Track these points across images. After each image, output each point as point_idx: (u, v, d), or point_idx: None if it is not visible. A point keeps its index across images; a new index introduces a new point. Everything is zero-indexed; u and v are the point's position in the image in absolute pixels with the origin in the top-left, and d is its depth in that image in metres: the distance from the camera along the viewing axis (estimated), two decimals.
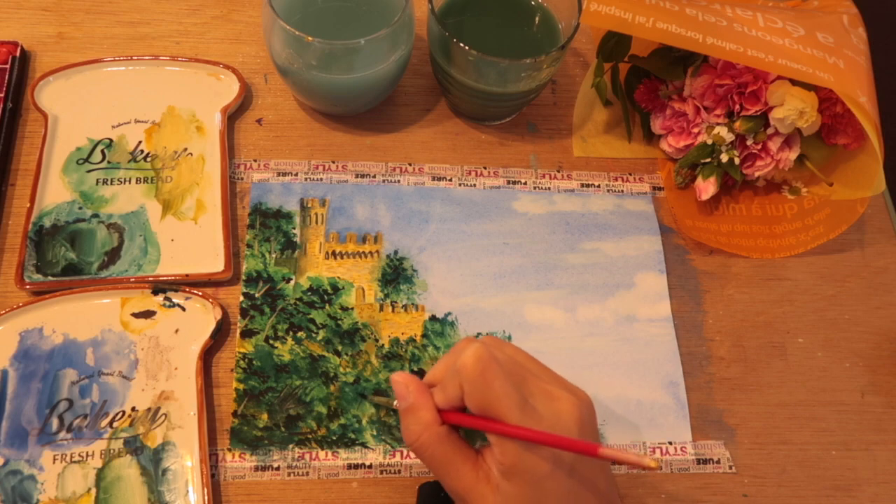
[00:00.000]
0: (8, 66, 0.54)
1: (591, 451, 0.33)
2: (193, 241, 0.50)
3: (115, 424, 0.44)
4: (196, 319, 0.48)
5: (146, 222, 0.50)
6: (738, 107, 0.52)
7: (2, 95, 0.53)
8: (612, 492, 0.38)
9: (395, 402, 0.41)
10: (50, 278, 0.48)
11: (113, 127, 0.54)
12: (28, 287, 0.47)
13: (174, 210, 0.51)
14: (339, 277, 0.51)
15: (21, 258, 0.48)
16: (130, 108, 0.54)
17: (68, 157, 0.52)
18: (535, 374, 0.37)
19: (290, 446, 0.45)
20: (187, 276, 0.49)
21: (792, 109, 0.50)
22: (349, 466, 0.45)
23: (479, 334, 0.50)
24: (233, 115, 0.56)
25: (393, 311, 0.50)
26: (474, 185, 0.55)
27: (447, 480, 0.37)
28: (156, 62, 0.56)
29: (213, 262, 0.49)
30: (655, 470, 0.29)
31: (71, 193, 0.51)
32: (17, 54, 0.55)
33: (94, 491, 0.43)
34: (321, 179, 0.54)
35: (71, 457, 0.43)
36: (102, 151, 0.53)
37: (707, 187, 0.54)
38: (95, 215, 0.50)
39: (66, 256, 0.49)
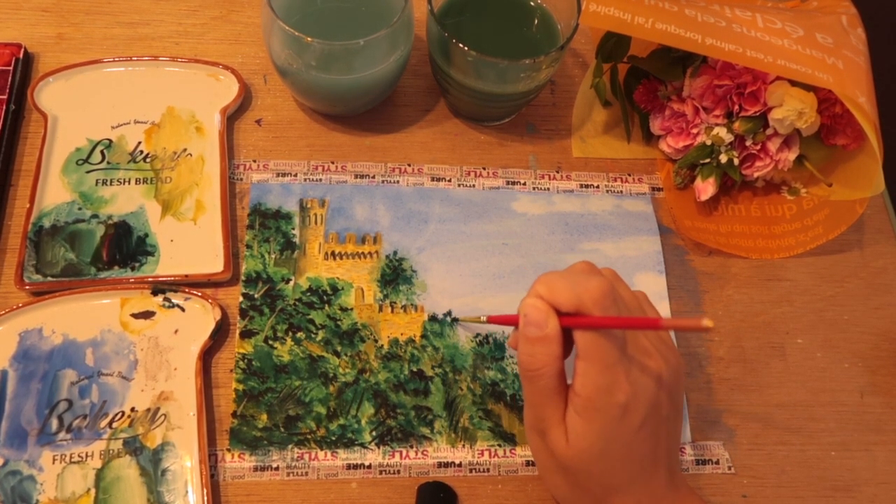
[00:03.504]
0: (11, 68, 0.54)
1: (653, 325, 0.36)
2: (193, 242, 0.50)
3: (114, 425, 0.44)
4: (195, 320, 0.48)
5: (145, 223, 0.51)
6: (737, 107, 0.52)
7: (4, 97, 0.53)
8: (675, 463, 0.41)
9: (482, 318, 0.44)
10: (49, 279, 0.48)
11: (112, 127, 0.54)
12: (28, 287, 0.47)
13: (173, 211, 0.51)
14: (338, 278, 0.51)
15: (21, 258, 0.48)
16: (130, 108, 0.55)
17: (68, 158, 0.52)
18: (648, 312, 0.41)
19: (290, 447, 0.45)
20: (186, 276, 0.49)
21: (791, 110, 0.50)
22: (348, 467, 0.45)
23: (477, 335, 0.50)
24: (232, 116, 0.56)
25: (392, 311, 0.50)
26: (473, 186, 0.55)
27: (543, 410, 0.39)
28: (155, 63, 0.56)
29: (212, 262, 0.49)
30: (711, 330, 0.32)
31: (70, 194, 0.51)
32: (21, 56, 0.55)
33: (93, 491, 0.43)
34: (320, 180, 0.54)
35: (70, 457, 0.43)
36: (102, 152, 0.53)
37: (706, 188, 0.54)
38: (95, 216, 0.50)
39: (65, 257, 0.49)
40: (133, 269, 0.49)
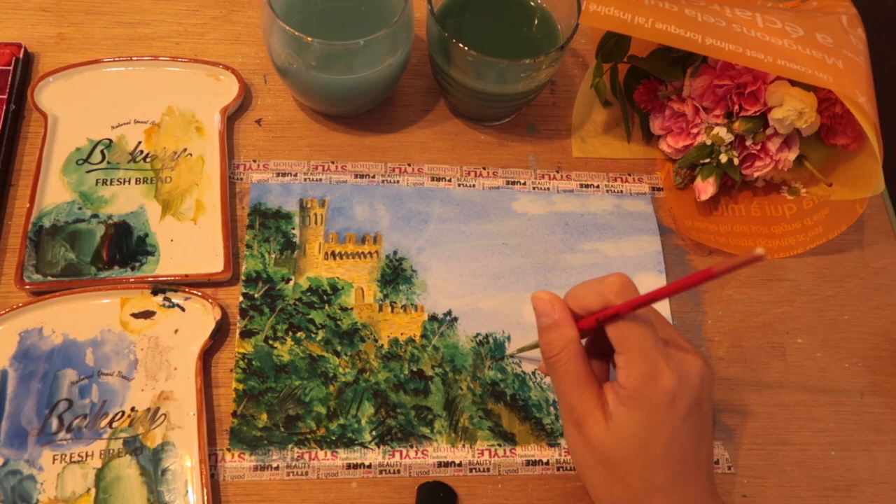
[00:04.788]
0: (11, 68, 0.54)
1: (707, 275, 0.33)
2: (193, 242, 0.50)
3: (114, 424, 0.44)
4: (195, 320, 0.48)
5: (145, 222, 0.51)
6: (737, 107, 0.52)
7: (4, 97, 0.53)
8: (711, 462, 0.41)
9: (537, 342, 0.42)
10: (49, 278, 0.48)
11: (112, 127, 0.54)
12: (28, 287, 0.47)
13: (174, 210, 0.51)
14: (338, 278, 0.51)
15: (21, 258, 0.48)
16: (130, 108, 0.55)
17: (68, 158, 0.52)
18: (669, 325, 0.41)
19: (290, 446, 0.46)
20: (187, 276, 0.49)
21: (791, 110, 0.50)
22: (348, 466, 0.46)
23: (478, 335, 0.50)
24: (232, 116, 0.56)
25: (392, 311, 0.50)
26: (473, 186, 0.55)
27: (572, 398, 0.39)
28: (155, 63, 0.56)
29: (212, 262, 0.49)
30: (765, 258, 0.30)
31: (70, 194, 0.51)
32: (21, 56, 0.55)
33: (93, 491, 0.43)
34: (320, 180, 0.54)
35: (70, 457, 0.43)
36: (102, 152, 0.53)
37: (706, 188, 0.54)
38: (95, 216, 0.50)
39: (65, 257, 0.49)
40: (133, 268, 0.49)
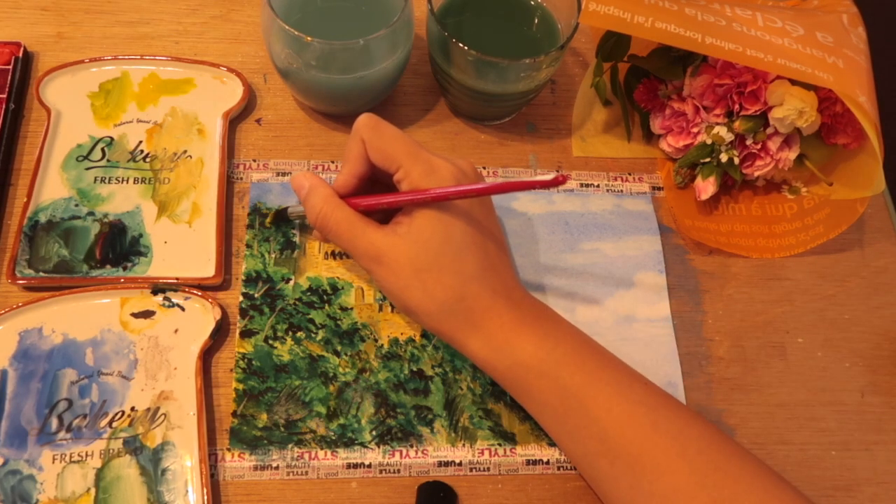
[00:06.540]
0: (10, 67, 0.54)
1: (495, 188, 0.39)
2: (186, 245, 0.50)
3: (114, 424, 0.44)
4: (195, 319, 0.48)
5: (140, 223, 0.50)
6: (737, 106, 0.52)
7: (3, 96, 0.53)
8: (508, 252, 0.46)
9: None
10: (41, 274, 0.48)
11: (115, 125, 0.54)
12: (20, 282, 0.47)
13: (169, 212, 0.51)
14: (338, 277, 0.51)
15: (14, 252, 0.48)
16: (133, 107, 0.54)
17: (69, 154, 0.52)
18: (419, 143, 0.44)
19: (290, 446, 0.45)
20: (177, 279, 0.48)
21: (791, 109, 0.50)
22: (348, 466, 0.45)
23: None
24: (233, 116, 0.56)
25: (392, 311, 0.50)
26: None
27: (358, 244, 0.42)
28: (161, 63, 0.56)
29: (204, 266, 0.49)
30: (559, 183, 0.35)
31: (68, 190, 0.51)
32: (20, 55, 0.55)
33: (93, 491, 0.43)
34: None
35: (70, 457, 0.43)
36: (103, 149, 0.53)
37: (706, 187, 0.54)
38: (91, 213, 0.50)
39: (58, 253, 0.49)
40: (125, 269, 0.49)
